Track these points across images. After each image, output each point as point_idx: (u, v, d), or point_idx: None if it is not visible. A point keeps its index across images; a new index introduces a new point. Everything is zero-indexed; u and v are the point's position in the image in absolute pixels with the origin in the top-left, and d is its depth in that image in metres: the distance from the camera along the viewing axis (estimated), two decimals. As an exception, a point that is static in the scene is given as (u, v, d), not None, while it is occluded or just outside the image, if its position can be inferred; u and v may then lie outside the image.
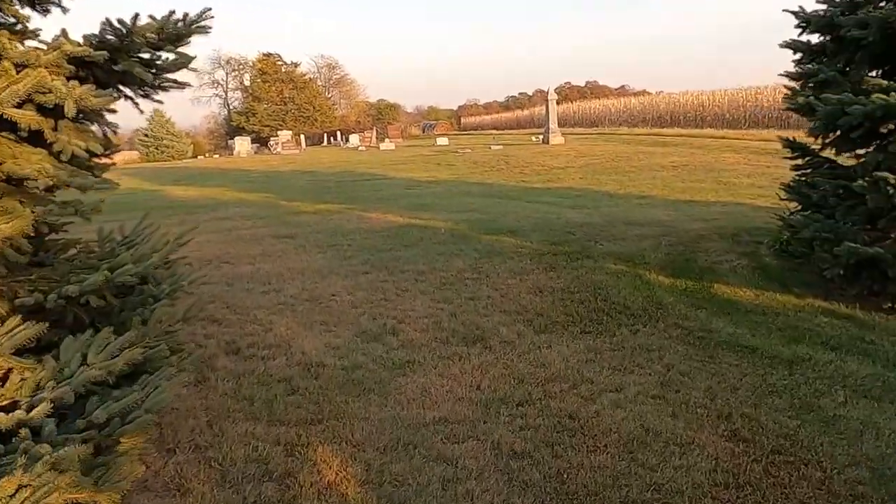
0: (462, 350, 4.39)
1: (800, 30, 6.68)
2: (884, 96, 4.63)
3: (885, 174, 4.74)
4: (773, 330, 4.62)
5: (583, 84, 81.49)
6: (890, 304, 5.07)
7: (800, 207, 7.50)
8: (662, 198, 11.88)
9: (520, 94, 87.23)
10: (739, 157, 18.55)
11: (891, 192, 4.75)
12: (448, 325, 4.91)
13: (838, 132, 5.51)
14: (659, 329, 4.72)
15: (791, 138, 7.69)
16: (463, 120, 73.50)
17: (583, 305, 5.34)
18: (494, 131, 49.24)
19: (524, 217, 9.71)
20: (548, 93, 26.94)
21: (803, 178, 7.17)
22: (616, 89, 75.17)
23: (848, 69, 5.74)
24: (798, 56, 6.70)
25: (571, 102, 52.31)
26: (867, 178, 5.09)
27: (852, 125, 5.06)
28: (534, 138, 31.01)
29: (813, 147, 7.39)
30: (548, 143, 25.70)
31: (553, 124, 26.44)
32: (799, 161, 7.41)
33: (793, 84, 6.90)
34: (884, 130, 4.80)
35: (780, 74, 6.86)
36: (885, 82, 4.91)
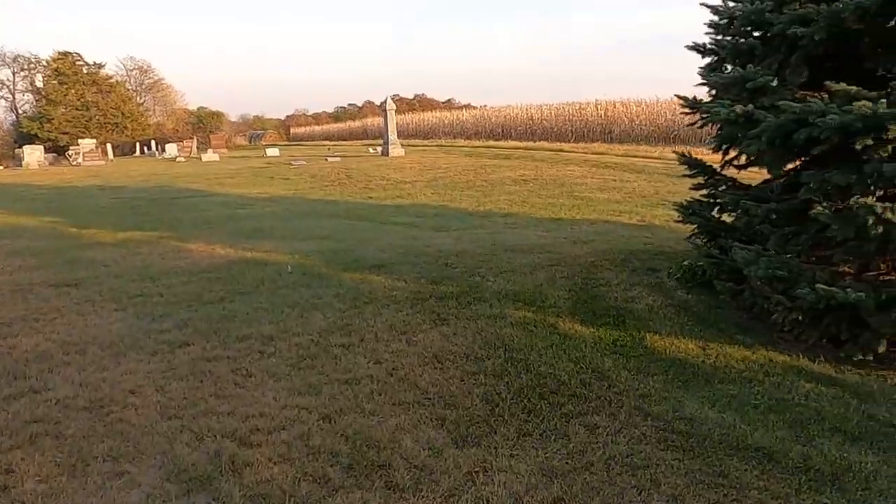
0: (354, 498, 2.70)
1: (713, 30, 5.85)
2: (868, 105, 3.70)
3: (869, 200, 3.82)
4: (763, 412, 3.47)
5: (411, 97, 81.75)
6: (861, 356, 4.20)
7: (697, 230, 6.75)
8: (527, 216, 10.91)
9: (349, 104, 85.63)
10: (583, 170, 18.47)
11: (870, 221, 3.84)
12: (322, 441, 3.18)
13: (779, 149, 4.58)
14: (622, 421, 3.38)
15: (686, 154, 6.92)
16: (292, 130, 70.41)
17: (503, 383, 3.88)
18: (328, 142, 47.14)
19: (387, 245, 8.11)
20: (386, 103, 25.63)
21: (709, 200, 6.37)
22: (443, 103, 76.30)
23: (778, 74, 4.89)
24: (709, 60, 5.86)
25: (404, 114, 51.68)
26: (839, 205, 4.19)
27: (813, 139, 4.13)
28: (371, 150, 29.53)
29: (711, 165, 6.67)
30: (388, 154, 24.37)
31: (393, 135, 25.18)
32: (699, 179, 6.64)
33: (682, 95, 6.08)
34: (858, 147, 3.93)
35: (699, 84, 5.96)
36: (855, 88, 4.03)
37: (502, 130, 39.19)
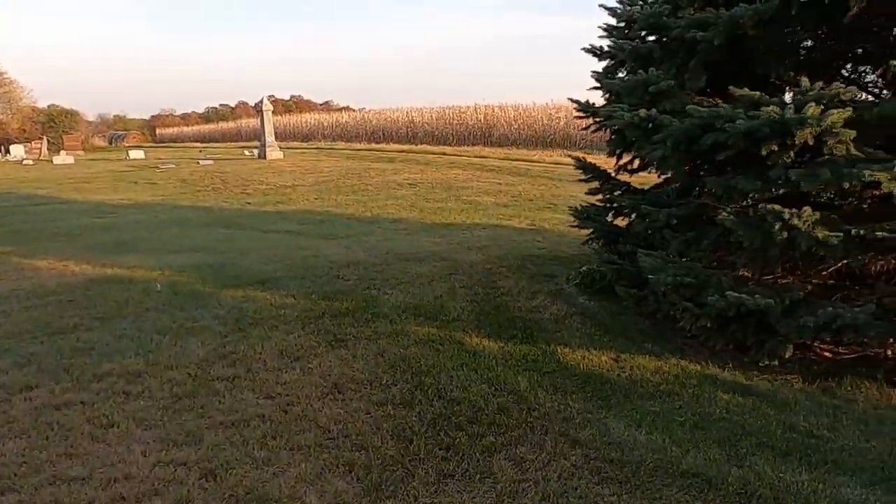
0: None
1: (607, 33, 5.78)
2: (776, 110, 3.66)
3: (777, 207, 3.79)
4: (690, 429, 3.31)
5: (287, 98, 79.40)
6: (767, 361, 4.20)
7: (593, 235, 6.71)
8: (417, 221, 10.58)
9: (221, 105, 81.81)
10: (468, 173, 18.46)
11: (776, 227, 3.81)
12: (204, 501, 2.63)
13: (683, 153, 4.51)
14: (549, 451, 3.08)
15: (582, 158, 6.87)
16: (159, 131, 65.99)
17: (415, 413, 3.49)
18: (199, 144, 44.47)
19: (271, 256, 7.44)
20: (262, 103, 24.40)
21: (606, 204, 6.32)
22: (321, 104, 74.78)
23: (676, 79, 4.85)
24: (605, 64, 5.78)
25: (280, 116, 49.88)
26: (746, 211, 4.17)
27: (719, 144, 4.07)
28: (247, 152, 28.09)
29: (606, 169, 6.65)
30: (266, 157, 23.22)
31: (270, 137, 24.04)
32: (595, 184, 6.59)
33: (576, 99, 6.01)
34: (764, 152, 3.91)
35: (592, 88, 5.86)
36: (759, 94, 4.01)
37: (383, 133, 38.76)
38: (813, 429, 3.30)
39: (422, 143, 32.89)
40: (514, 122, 32.47)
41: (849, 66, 5.10)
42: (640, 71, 4.67)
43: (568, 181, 16.37)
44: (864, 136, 3.73)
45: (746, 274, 4.77)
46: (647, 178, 6.65)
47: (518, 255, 7.78)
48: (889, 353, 4.35)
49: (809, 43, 4.79)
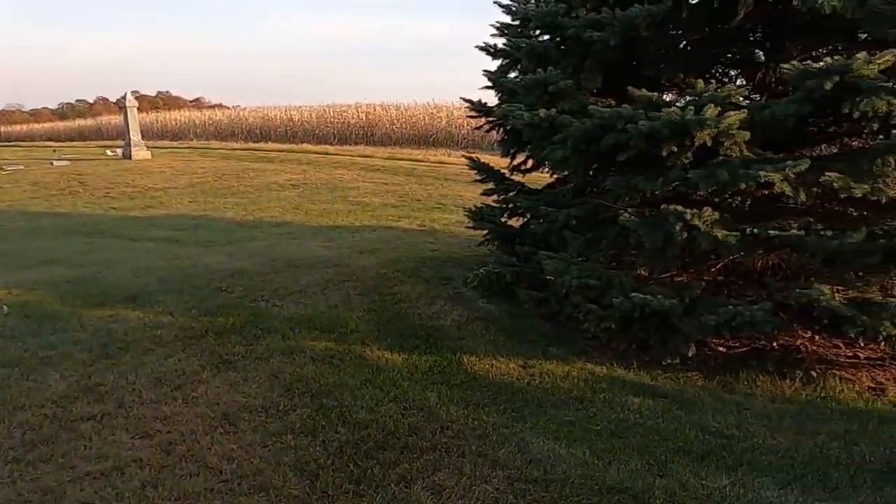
0: None
1: (499, 32, 5.67)
2: (677, 111, 3.67)
3: (679, 207, 3.80)
4: (607, 438, 3.23)
5: (154, 94, 74.54)
6: (669, 360, 4.24)
7: (489, 236, 6.63)
8: (303, 224, 10.09)
9: (78, 101, 75.31)
10: (353, 173, 18.00)
11: (678, 227, 3.84)
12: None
13: (583, 154, 4.47)
14: (469, 475, 2.87)
15: (476, 158, 6.77)
16: (3, 129, 59.66)
17: (318, 442, 3.16)
18: (53, 143, 40.52)
19: (143, 268, 6.71)
20: (125, 98, 22.52)
21: (502, 205, 6.25)
22: (192, 101, 70.79)
23: (572, 79, 4.82)
24: (499, 62, 5.68)
25: (147, 113, 46.56)
26: (646, 212, 4.17)
27: (619, 145, 4.05)
28: (109, 152, 25.85)
29: (500, 170, 6.58)
30: (131, 157, 21.45)
31: (136, 136, 22.28)
32: (490, 185, 6.51)
33: (469, 98, 5.91)
34: (664, 153, 3.92)
35: (483, 87, 5.74)
36: (656, 94, 4.02)
37: (261, 132, 37.22)
38: (723, 428, 3.33)
39: (302, 143, 31.89)
40: (395, 122, 32.28)
41: (721, 69, 5.34)
42: (539, 70, 4.58)
43: (454, 181, 16.39)
44: (754, 137, 3.83)
45: (644, 273, 4.84)
46: (541, 178, 6.67)
47: (412, 258, 7.56)
48: (775, 345, 4.56)
49: (689, 48, 4.91)
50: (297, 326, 4.89)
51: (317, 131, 35.14)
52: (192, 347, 4.41)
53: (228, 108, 46.89)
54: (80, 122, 51.26)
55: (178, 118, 43.17)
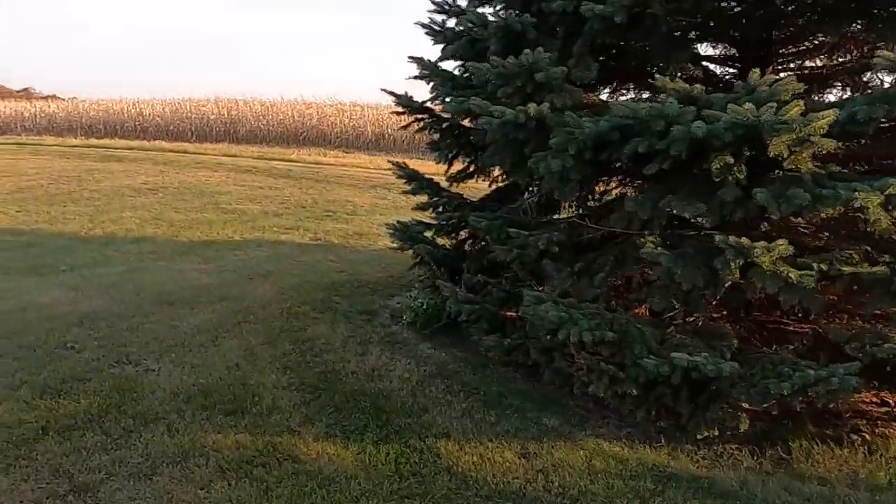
0: None
1: (438, 8, 4.51)
2: (751, 110, 2.67)
3: (741, 239, 2.80)
4: None
5: (-31, 81, 65.12)
6: (707, 433, 3.27)
7: (420, 260, 5.44)
8: (168, 239, 8.28)
9: None
10: (220, 175, 15.93)
11: (732, 266, 2.86)
12: None
13: (588, 165, 3.38)
14: None
15: (402, 164, 5.54)
16: None
17: None
18: None
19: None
20: (-71, 84, 18.70)
21: (445, 223, 5.08)
22: (19, 91, 62.66)
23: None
24: (444, 47, 4.47)
25: (-40, 102, 40.10)
26: (673, 239, 3.15)
27: (648, 154, 3.00)
28: None
29: (433, 179, 5.43)
30: (-61, 155, 17.81)
31: (-55, 129, 18.57)
32: (424, 198, 5.31)
33: (392, 91, 4.69)
34: (717, 166, 2.91)
35: (413, 77, 4.53)
36: (696, 87, 3.00)
37: (105, 127, 33.14)
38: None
39: (154, 140, 28.65)
40: (261, 118, 29.99)
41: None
42: (527, 51, 3.43)
43: (338, 183, 14.99)
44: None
45: (648, 313, 3.87)
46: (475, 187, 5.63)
47: (317, 283, 6.18)
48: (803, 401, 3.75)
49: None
50: (186, 407, 3.40)
51: (171, 127, 31.92)
52: (22, 465, 2.80)
53: (64, 99, 41.59)
54: None
55: (3, 109, 37.54)
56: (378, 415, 3.44)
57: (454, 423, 3.38)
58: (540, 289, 3.89)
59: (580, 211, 4.51)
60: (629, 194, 3.78)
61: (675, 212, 3.06)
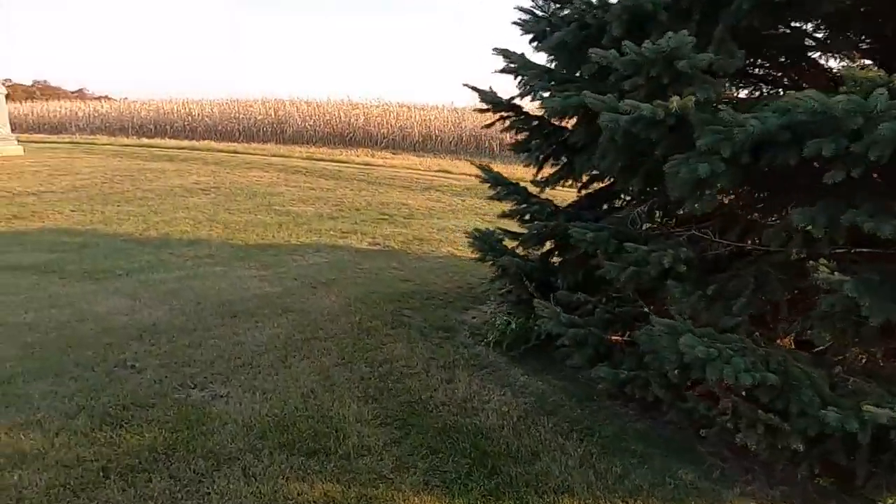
0: None
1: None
2: None
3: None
4: None
5: (30, 83, 67.13)
6: (891, 500, 2.68)
7: (499, 271, 4.94)
8: (224, 242, 7.94)
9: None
10: (272, 175, 15.72)
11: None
12: None
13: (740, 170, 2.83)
14: None
15: (486, 167, 5.05)
16: None
17: None
18: None
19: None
20: (-11, 84, 19.00)
21: (533, 231, 4.55)
22: (74, 92, 64.36)
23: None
24: (559, 34, 3.95)
25: (20, 103, 41.18)
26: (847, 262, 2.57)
27: (834, 159, 2.43)
28: (-31, 146, 21.95)
29: (521, 184, 4.93)
30: (-4, 154, 18.04)
31: (5, 128, 18.81)
32: (512, 204, 4.81)
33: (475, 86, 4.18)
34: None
35: (500, 71, 4.02)
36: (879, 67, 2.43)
37: (155, 127, 33.59)
38: None
39: (203, 139, 28.83)
40: (308, 118, 29.91)
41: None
42: (670, 34, 2.89)
43: (390, 185, 14.62)
44: None
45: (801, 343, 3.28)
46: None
47: (384, 294, 5.73)
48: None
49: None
50: (262, 444, 2.96)
51: (219, 127, 32.16)
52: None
53: (116, 100, 42.37)
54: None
55: (58, 109, 38.44)
56: (482, 460, 2.94)
57: (574, 474, 2.85)
58: (654, 311, 3.34)
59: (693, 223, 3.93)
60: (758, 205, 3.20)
61: (864, 229, 2.47)
